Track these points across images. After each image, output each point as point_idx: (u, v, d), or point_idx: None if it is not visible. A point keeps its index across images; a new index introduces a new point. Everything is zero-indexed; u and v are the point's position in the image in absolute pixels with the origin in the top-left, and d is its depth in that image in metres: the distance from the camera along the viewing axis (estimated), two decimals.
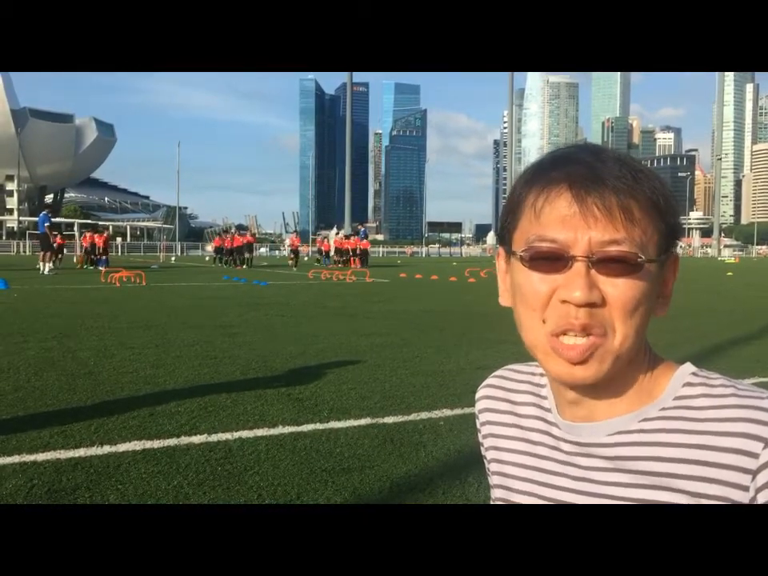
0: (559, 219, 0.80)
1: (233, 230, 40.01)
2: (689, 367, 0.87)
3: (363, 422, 4.70)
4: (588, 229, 0.79)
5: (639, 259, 0.80)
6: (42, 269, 23.87)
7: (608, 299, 0.80)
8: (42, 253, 24.71)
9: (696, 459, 0.80)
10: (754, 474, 0.76)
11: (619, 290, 0.80)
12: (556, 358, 0.82)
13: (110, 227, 38.14)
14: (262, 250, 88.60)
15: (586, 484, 0.88)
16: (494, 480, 1.03)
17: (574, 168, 0.82)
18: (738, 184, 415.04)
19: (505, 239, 0.89)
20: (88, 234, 32.10)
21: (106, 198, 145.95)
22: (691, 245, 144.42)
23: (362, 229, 39.45)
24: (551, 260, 0.81)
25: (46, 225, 24.14)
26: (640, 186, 0.81)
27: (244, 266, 32.83)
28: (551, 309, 0.81)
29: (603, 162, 0.82)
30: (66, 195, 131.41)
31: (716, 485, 0.78)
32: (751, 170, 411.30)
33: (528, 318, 0.84)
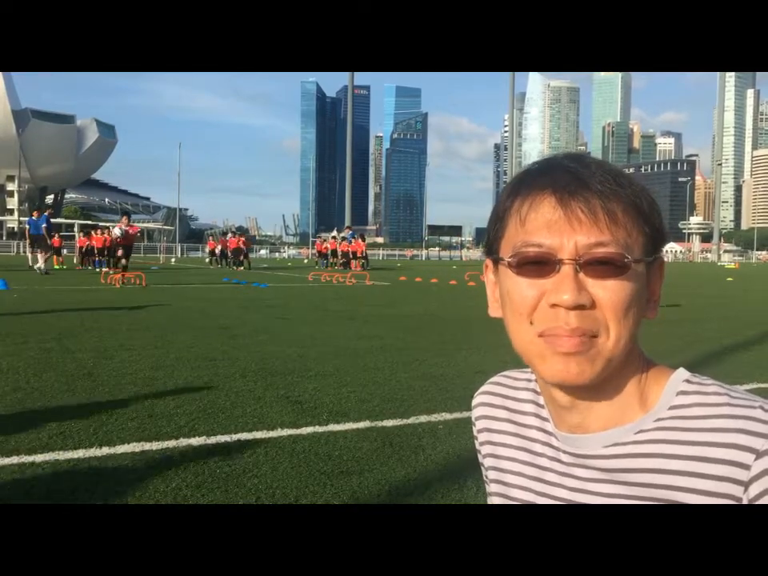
0: (544, 224, 0.81)
1: (229, 234, 39.95)
2: (682, 373, 0.87)
3: (362, 425, 4.69)
4: (573, 232, 0.80)
5: (626, 260, 0.80)
6: (38, 266, 24.08)
7: (598, 301, 0.80)
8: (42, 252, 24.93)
9: (690, 471, 0.79)
10: (746, 485, 0.76)
11: (609, 291, 0.80)
12: (549, 358, 0.81)
13: (111, 227, 37.85)
14: (262, 252, 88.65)
15: (583, 495, 0.87)
16: (491, 488, 1.02)
17: (557, 174, 0.83)
18: (738, 189, 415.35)
19: (492, 249, 0.89)
20: (113, 231, 31.76)
21: (107, 199, 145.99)
22: (691, 250, 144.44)
23: (350, 231, 39.29)
24: (539, 265, 0.81)
25: (43, 225, 24.59)
26: (622, 190, 0.82)
27: (242, 268, 32.83)
28: (540, 312, 0.81)
29: (586, 167, 0.83)
30: (66, 196, 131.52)
31: (710, 497, 0.78)
32: (751, 175, 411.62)
33: (516, 322, 0.84)
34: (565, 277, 0.79)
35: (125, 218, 22.57)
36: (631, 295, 0.81)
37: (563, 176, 0.82)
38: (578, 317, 0.79)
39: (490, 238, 0.90)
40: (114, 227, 24.63)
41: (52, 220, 25.99)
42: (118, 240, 21.78)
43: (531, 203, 0.83)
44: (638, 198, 0.83)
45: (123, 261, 21.11)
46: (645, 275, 0.84)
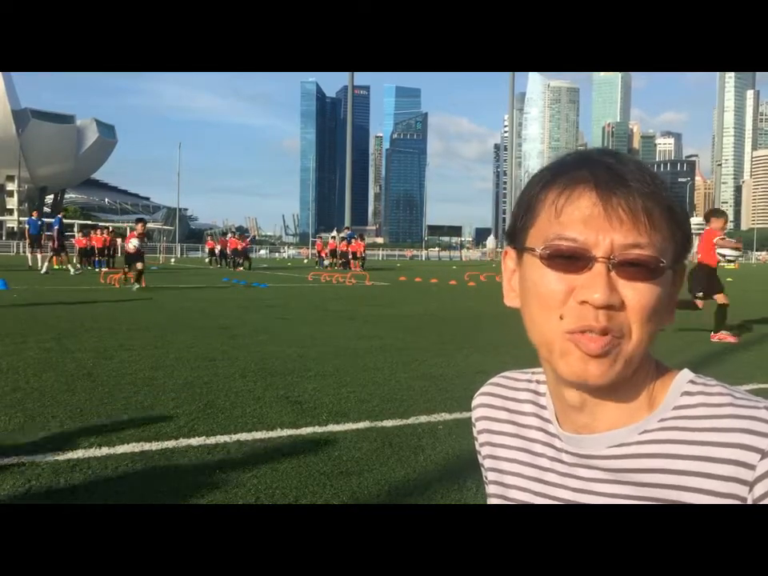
0: (581, 219, 0.79)
1: (228, 234, 40.04)
2: (687, 374, 0.87)
3: (362, 425, 4.69)
4: (611, 230, 0.78)
5: (661, 264, 0.79)
6: (41, 268, 24.49)
7: (627, 303, 0.79)
8: (50, 254, 25.48)
9: (695, 471, 0.79)
10: (751, 485, 0.76)
11: (639, 294, 0.79)
12: (572, 354, 0.80)
13: (110, 227, 37.90)
14: (262, 252, 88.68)
15: (586, 496, 0.87)
16: (490, 489, 1.02)
17: (597, 169, 0.81)
18: (737, 190, 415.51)
19: (517, 238, 0.87)
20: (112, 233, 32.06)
21: (107, 199, 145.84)
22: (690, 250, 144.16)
23: (348, 232, 39.43)
24: (571, 259, 0.79)
25: (56, 227, 25.29)
26: (659, 192, 0.80)
27: (241, 268, 32.88)
28: (569, 308, 0.80)
29: (624, 164, 0.81)
30: (66, 196, 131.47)
31: (714, 497, 0.77)
32: (751, 176, 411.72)
33: (542, 316, 0.82)
34: (597, 275, 0.78)
35: (140, 225, 18.56)
36: (659, 300, 0.80)
37: (603, 171, 0.80)
38: (606, 316, 0.78)
39: (516, 227, 0.87)
40: (131, 232, 19.46)
41: (50, 220, 26.35)
42: (133, 251, 17.92)
43: (569, 195, 0.80)
44: (673, 203, 0.81)
45: (139, 266, 17.77)
46: (671, 281, 0.83)
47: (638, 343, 0.80)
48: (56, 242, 25.62)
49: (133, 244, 18.04)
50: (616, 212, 0.78)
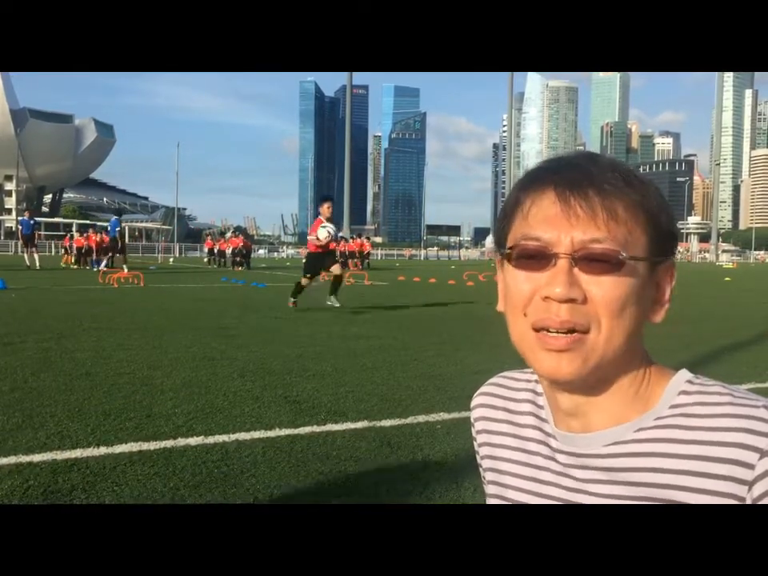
0: (544, 219, 0.82)
1: (228, 234, 40.13)
2: (684, 374, 0.87)
3: (360, 425, 4.69)
4: (571, 228, 0.80)
5: (621, 257, 0.80)
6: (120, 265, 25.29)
7: (591, 297, 0.80)
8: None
9: (692, 470, 0.79)
10: (750, 484, 0.76)
11: (603, 288, 0.80)
12: (541, 351, 0.82)
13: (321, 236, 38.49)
14: (261, 251, 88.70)
15: (581, 496, 0.87)
16: (489, 489, 1.02)
17: (565, 171, 0.83)
18: (736, 189, 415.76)
19: (500, 244, 0.90)
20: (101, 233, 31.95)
21: (105, 199, 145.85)
22: (689, 250, 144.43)
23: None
24: (536, 258, 0.82)
25: (117, 229, 25.66)
26: (630, 189, 0.82)
27: (241, 268, 32.90)
28: (533, 305, 0.82)
29: (596, 164, 0.83)
30: (64, 195, 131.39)
31: (712, 496, 0.77)
32: (749, 175, 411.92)
33: (512, 315, 0.85)
34: (559, 271, 0.80)
35: (327, 204, 12.55)
36: (627, 293, 0.81)
37: (570, 172, 0.83)
38: (568, 310, 0.80)
39: (498, 234, 0.90)
40: (316, 219, 12.56)
41: (48, 219, 26.45)
42: (324, 241, 12.10)
43: (534, 198, 0.83)
44: (645, 199, 0.82)
45: (336, 270, 12.68)
46: (647, 276, 0.84)
47: (610, 337, 0.81)
48: (117, 244, 25.76)
49: (327, 230, 12.00)
50: (574, 209, 0.80)
